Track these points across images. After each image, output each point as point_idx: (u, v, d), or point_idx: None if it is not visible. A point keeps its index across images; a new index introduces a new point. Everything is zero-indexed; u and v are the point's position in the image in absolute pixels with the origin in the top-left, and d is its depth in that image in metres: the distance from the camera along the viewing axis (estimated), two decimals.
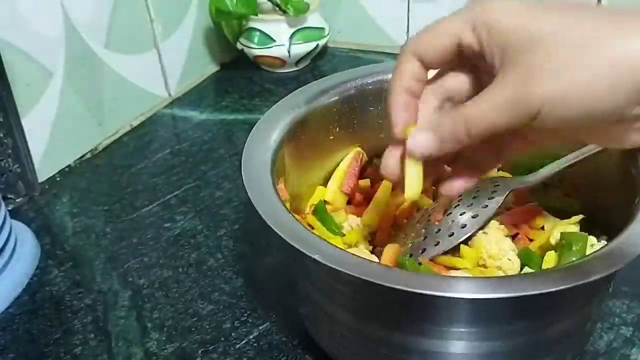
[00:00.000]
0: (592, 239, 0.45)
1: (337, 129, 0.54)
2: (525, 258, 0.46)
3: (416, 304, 0.37)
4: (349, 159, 0.55)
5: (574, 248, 0.44)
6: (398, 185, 0.38)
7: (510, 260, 0.45)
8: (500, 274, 0.45)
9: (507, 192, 0.47)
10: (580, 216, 0.48)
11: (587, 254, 0.43)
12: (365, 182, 0.55)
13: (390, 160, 0.38)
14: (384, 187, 0.52)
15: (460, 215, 0.47)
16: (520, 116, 0.32)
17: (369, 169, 0.57)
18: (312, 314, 0.46)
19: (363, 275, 0.34)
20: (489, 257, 0.45)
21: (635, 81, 0.29)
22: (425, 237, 0.47)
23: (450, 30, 0.35)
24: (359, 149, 0.55)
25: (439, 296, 0.33)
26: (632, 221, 0.38)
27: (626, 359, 0.47)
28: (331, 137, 0.54)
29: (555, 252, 0.45)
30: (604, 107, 0.30)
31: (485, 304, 0.36)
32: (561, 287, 0.32)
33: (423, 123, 0.37)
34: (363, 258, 0.37)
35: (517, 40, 0.32)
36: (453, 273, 0.45)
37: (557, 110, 0.31)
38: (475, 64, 0.36)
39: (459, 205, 0.47)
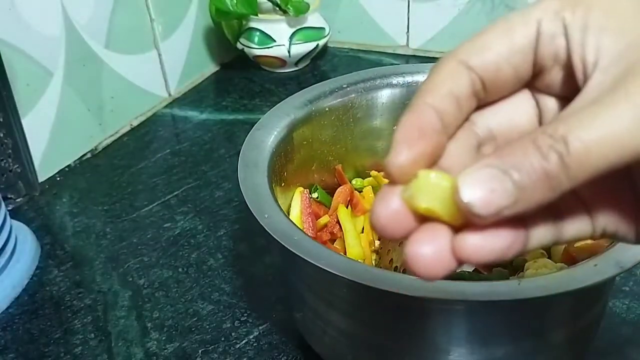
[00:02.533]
0: None
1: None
2: None
3: (410, 307, 0.37)
4: (298, 202, 0.51)
5: None
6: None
7: None
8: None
9: None
10: None
11: None
12: (324, 220, 0.52)
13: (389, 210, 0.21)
14: (349, 222, 0.51)
15: None
16: None
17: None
18: (306, 317, 0.46)
19: (357, 278, 0.34)
20: None
21: None
22: None
23: (525, 19, 0.22)
24: (301, 188, 0.52)
25: (435, 299, 0.33)
26: None
27: (626, 359, 0.47)
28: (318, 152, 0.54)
29: None
30: None
31: (482, 308, 0.36)
32: (570, 289, 0.32)
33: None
34: (357, 261, 0.37)
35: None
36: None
37: None
38: (533, 83, 0.23)
39: None
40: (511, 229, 0.19)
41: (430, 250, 0.19)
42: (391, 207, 0.20)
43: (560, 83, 0.22)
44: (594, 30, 0.20)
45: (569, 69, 0.21)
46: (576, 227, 0.22)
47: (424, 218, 0.20)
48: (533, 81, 0.23)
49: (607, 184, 0.22)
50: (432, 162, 0.21)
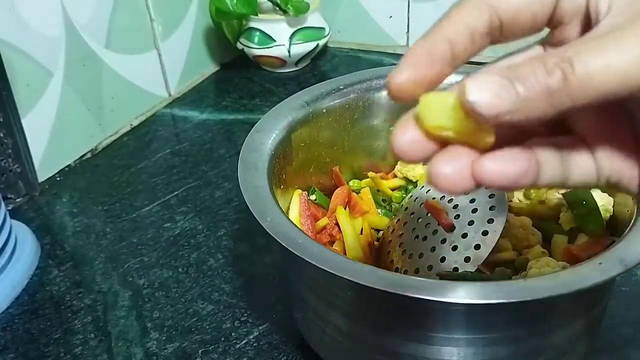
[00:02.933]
0: (594, 190, 0.47)
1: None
2: (541, 228, 0.48)
3: (412, 309, 0.37)
4: (296, 204, 0.51)
5: (584, 203, 0.46)
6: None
7: (533, 235, 0.47)
8: (526, 251, 0.47)
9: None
10: None
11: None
12: (323, 222, 0.52)
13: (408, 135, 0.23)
14: (348, 224, 0.51)
15: (470, 224, 0.45)
16: None
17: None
18: (305, 317, 0.46)
19: (362, 281, 0.34)
20: (518, 240, 0.47)
21: None
22: (434, 248, 0.46)
23: None
24: (299, 190, 0.52)
25: (435, 301, 0.33)
26: (635, 225, 0.38)
27: (626, 359, 0.47)
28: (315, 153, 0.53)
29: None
30: None
31: (484, 309, 0.36)
32: (568, 291, 0.32)
33: None
34: (360, 263, 0.37)
35: None
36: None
37: None
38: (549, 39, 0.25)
39: (459, 215, 0.46)
40: (525, 160, 0.22)
41: (451, 169, 0.21)
42: (408, 133, 0.22)
43: (575, 37, 0.23)
44: None
45: (585, 23, 0.23)
46: (582, 171, 0.24)
47: (443, 143, 0.22)
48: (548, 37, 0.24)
49: (609, 126, 0.24)
50: (431, 88, 0.23)
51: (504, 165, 0.21)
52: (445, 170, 0.22)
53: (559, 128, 0.25)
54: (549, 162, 0.23)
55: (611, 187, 0.25)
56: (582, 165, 0.24)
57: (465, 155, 0.22)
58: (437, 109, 0.21)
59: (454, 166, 0.22)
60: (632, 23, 0.21)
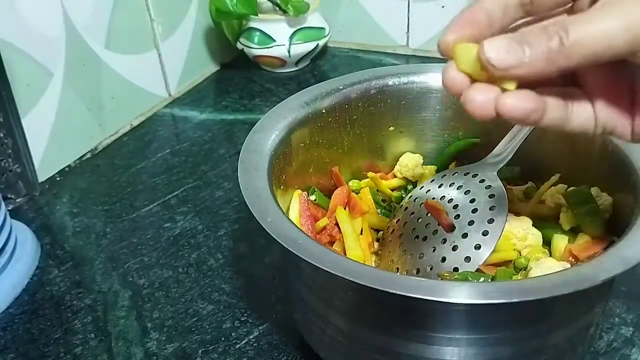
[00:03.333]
0: (594, 190, 0.48)
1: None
2: (541, 228, 0.48)
3: (412, 309, 0.37)
4: (296, 204, 0.51)
5: (584, 203, 0.46)
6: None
7: (533, 235, 0.47)
8: (526, 251, 0.47)
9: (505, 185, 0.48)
10: (558, 175, 0.51)
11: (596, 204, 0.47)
12: (323, 222, 0.52)
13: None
14: (348, 224, 0.51)
15: (470, 224, 0.45)
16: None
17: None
18: (305, 317, 0.46)
19: (365, 281, 0.34)
20: (518, 240, 0.47)
21: None
22: (435, 248, 0.46)
23: None
24: (299, 191, 0.52)
25: (435, 301, 0.33)
26: (635, 224, 0.38)
27: (626, 359, 0.47)
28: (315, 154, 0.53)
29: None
30: None
31: (484, 309, 0.36)
32: (564, 292, 0.32)
33: None
34: (362, 264, 0.37)
35: None
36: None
37: None
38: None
39: (459, 215, 0.46)
40: (536, 100, 0.27)
41: (480, 97, 0.27)
42: (451, 72, 0.29)
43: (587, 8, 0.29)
44: None
45: None
46: (582, 118, 0.30)
47: (475, 80, 0.28)
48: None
49: (611, 83, 0.30)
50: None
51: (519, 101, 0.27)
52: (476, 97, 0.27)
53: (571, 81, 0.30)
54: (555, 107, 0.28)
55: (606, 134, 0.30)
56: (582, 113, 0.30)
57: (493, 91, 0.27)
58: (466, 57, 0.28)
59: (483, 96, 0.27)
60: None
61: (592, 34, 0.25)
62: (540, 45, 0.26)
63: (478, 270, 0.43)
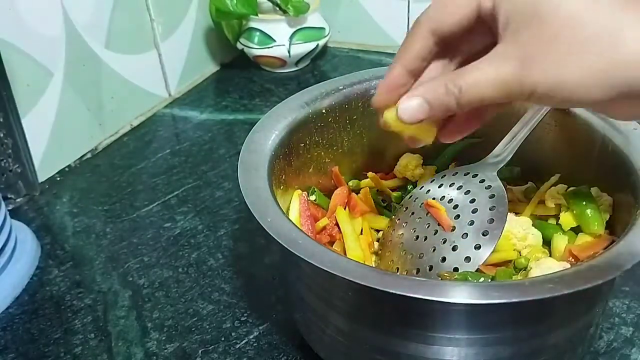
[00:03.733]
0: (594, 190, 0.48)
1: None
2: (541, 228, 0.48)
3: (412, 309, 0.37)
4: (296, 204, 0.51)
5: (584, 203, 0.47)
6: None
7: (533, 235, 0.47)
8: (526, 251, 0.47)
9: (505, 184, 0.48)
10: (558, 175, 0.51)
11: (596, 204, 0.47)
12: (323, 222, 0.52)
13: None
14: (348, 224, 0.51)
15: (470, 224, 0.45)
16: (513, 95, 0.32)
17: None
18: (305, 317, 0.46)
19: (366, 282, 0.34)
20: (518, 240, 0.47)
21: (627, 77, 0.29)
22: (435, 248, 0.45)
23: None
24: (299, 191, 0.52)
25: (435, 301, 0.33)
26: (635, 224, 0.38)
27: (626, 359, 0.47)
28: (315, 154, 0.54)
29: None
30: (595, 99, 0.31)
31: (484, 309, 0.36)
32: (564, 292, 0.32)
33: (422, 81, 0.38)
34: (363, 264, 0.37)
35: (525, 11, 0.31)
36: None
37: (550, 95, 0.31)
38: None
39: (459, 215, 0.46)
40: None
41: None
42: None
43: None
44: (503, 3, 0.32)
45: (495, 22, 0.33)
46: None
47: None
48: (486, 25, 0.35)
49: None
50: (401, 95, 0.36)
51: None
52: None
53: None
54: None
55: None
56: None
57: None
58: (391, 119, 0.37)
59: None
60: (496, 50, 0.32)
61: (475, 84, 0.32)
62: (441, 102, 0.34)
63: (478, 270, 0.43)
